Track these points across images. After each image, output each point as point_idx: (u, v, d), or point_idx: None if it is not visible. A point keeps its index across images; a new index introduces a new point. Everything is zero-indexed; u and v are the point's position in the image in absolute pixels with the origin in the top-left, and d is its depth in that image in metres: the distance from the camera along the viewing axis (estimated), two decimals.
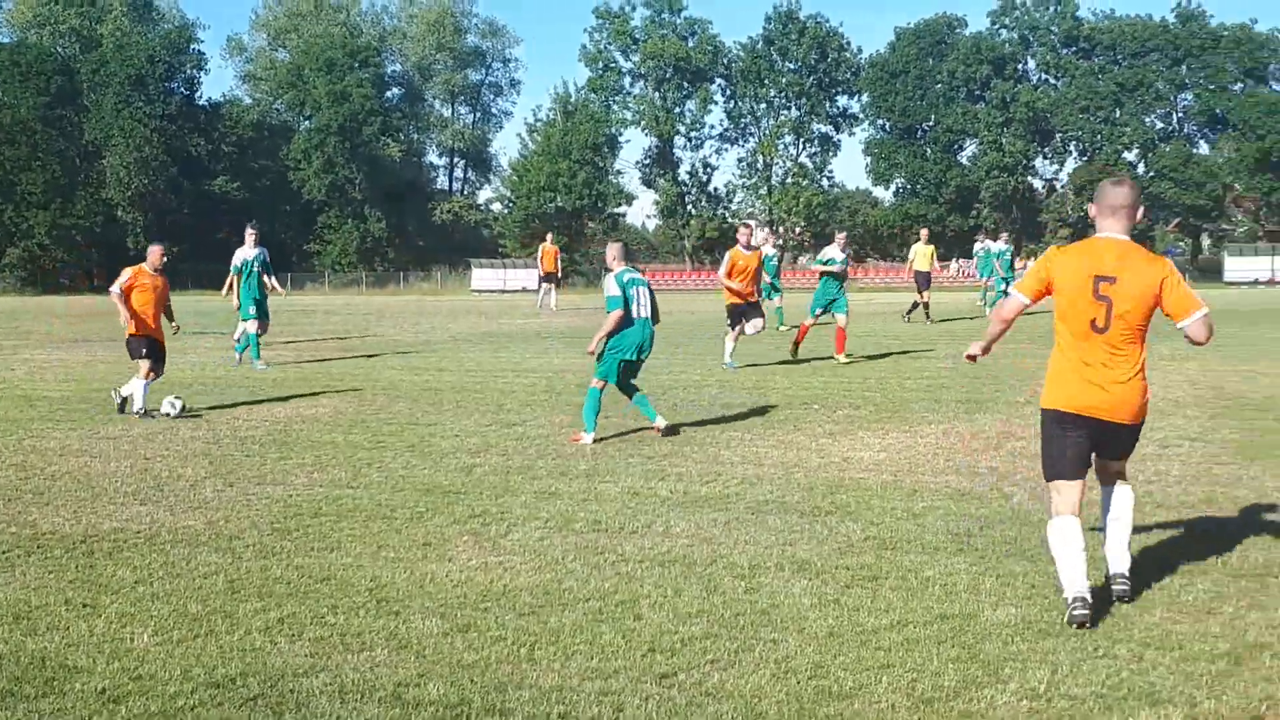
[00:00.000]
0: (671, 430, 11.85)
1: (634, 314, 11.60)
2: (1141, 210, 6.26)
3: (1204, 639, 5.58)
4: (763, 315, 18.59)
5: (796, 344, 19.09)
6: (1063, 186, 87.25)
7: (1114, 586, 6.17)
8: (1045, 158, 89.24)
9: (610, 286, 11.66)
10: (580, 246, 79.70)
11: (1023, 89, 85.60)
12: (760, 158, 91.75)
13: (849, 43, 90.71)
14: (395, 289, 77.52)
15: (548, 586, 6.58)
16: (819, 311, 19.39)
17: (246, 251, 19.90)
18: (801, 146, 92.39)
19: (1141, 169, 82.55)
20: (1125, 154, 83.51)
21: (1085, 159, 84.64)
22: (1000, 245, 32.67)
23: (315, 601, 6.37)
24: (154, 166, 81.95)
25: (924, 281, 29.71)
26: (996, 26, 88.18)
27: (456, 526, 8.02)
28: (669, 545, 7.44)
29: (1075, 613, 5.74)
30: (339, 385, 16.80)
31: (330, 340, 25.28)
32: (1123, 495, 6.41)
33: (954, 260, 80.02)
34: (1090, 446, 6.16)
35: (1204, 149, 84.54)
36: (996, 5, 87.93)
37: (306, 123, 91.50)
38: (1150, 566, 6.77)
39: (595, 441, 11.42)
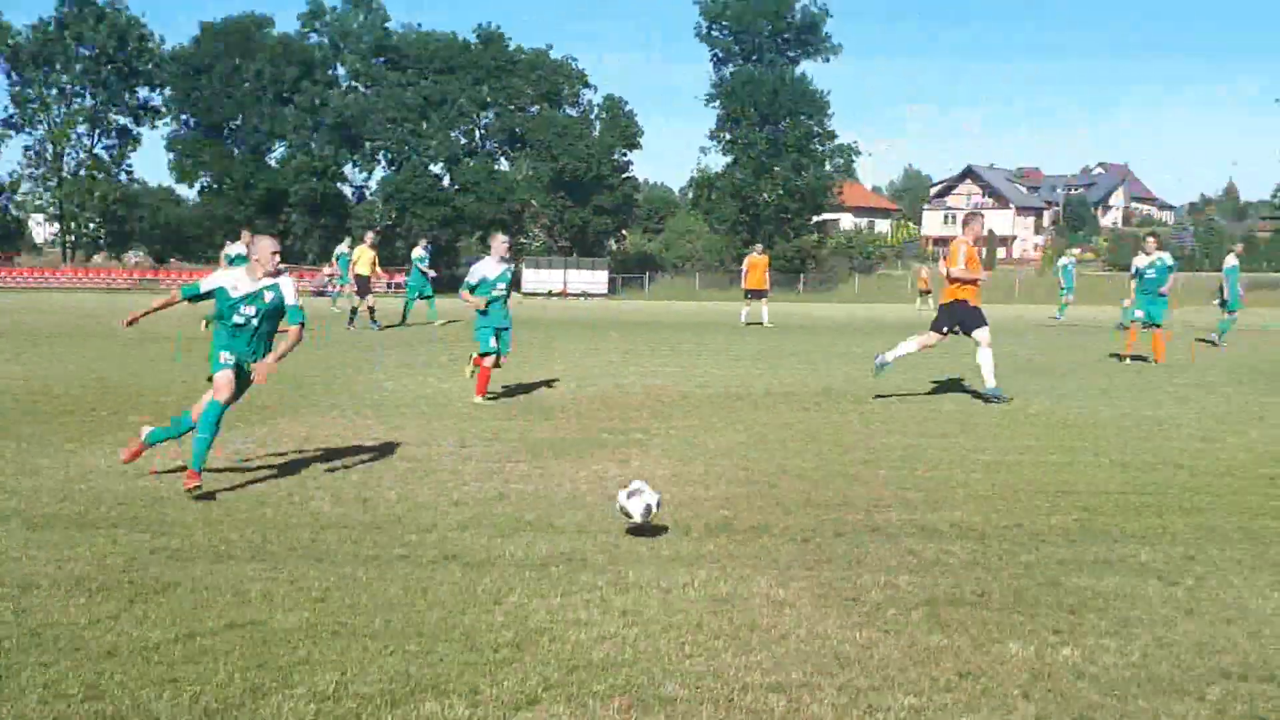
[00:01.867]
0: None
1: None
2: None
3: (491, 629, 5.82)
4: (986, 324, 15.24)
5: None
6: (372, 194, 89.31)
7: None
8: (355, 165, 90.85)
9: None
10: None
11: (333, 94, 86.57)
12: (50, 147, 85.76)
13: (152, 33, 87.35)
14: None
15: None
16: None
17: None
18: (97, 138, 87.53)
19: (447, 182, 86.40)
20: (432, 166, 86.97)
21: (394, 168, 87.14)
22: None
23: None
24: None
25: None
26: (307, 30, 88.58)
27: None
28: None
29: None
30: None
31: None
32: None
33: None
34: None
35: (505, 165, 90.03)
36: (306, 8, 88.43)
37: None
38: (441, 562, 7.00)
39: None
